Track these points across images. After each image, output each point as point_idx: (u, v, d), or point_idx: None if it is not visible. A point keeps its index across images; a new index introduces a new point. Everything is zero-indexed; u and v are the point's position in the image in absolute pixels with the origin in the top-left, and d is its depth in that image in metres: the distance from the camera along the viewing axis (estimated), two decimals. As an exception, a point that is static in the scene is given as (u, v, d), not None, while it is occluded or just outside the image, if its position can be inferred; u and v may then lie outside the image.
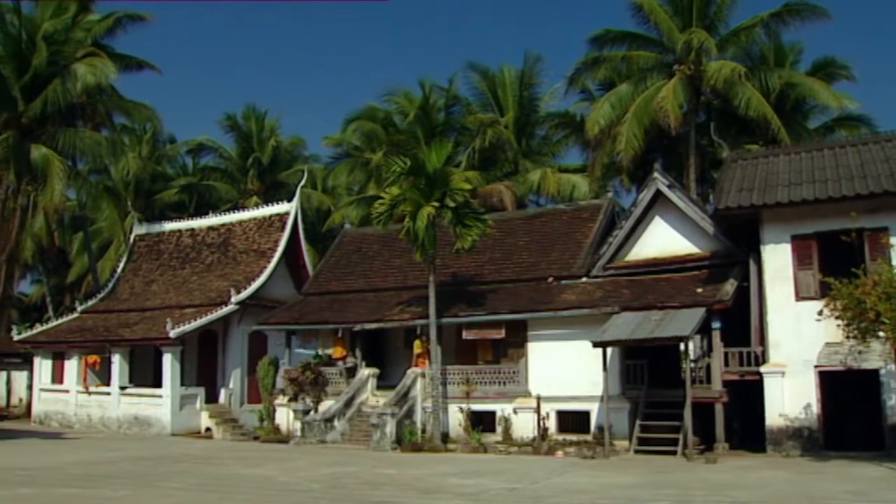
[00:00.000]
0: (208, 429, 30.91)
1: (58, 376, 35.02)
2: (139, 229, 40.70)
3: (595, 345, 22.18)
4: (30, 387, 37.75)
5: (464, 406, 25.72)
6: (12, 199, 37.33)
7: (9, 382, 42.65)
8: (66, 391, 34.18)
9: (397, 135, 40.49)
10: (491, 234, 27.36)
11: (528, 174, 39.77)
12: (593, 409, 23.91)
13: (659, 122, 31.48)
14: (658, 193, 25.22)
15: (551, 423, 24.46)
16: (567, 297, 25.39)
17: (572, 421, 24.38)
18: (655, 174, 25.37)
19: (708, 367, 22.66)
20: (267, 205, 38.68)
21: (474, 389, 25.86)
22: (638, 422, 22.73)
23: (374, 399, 27.44)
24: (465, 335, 26.57)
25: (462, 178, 26.93)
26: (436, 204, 24.98)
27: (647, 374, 23.74)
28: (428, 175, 25.52)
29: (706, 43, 31.43)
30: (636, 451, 22.20)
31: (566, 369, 24.36)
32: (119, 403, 32.16)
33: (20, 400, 40.81)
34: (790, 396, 21.33)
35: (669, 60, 33.46)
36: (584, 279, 26.28)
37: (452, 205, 25.18)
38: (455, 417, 25.96)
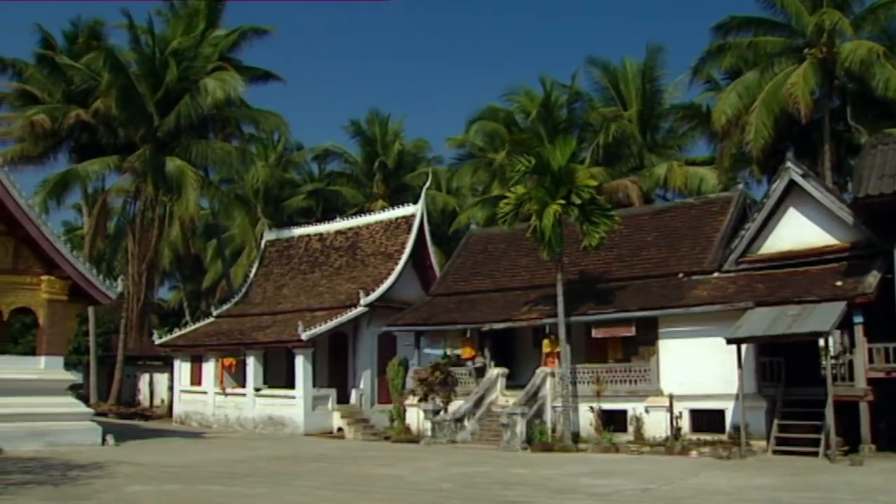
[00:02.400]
0: (340, 429, 31.47)
1: (196, 378, 36.29)
2: (269, 235, 41.89)
3: (729, 341, 21.54)
4: (170, 388, 39.28)
5: (594, 405, 25.45)
6: (150, 209, 39.06)
7: (151, 384, 44.67)
8: (204, 392, 35.37)
9: (520, 133, 40.43)
10: (618, 230, 26.94)
11: (653, 168, 39.09)
12: (728, 407, 23.19)
13: (789, 110, 30.42)
14: (791, 183, 24.28)
15: (684, 423, 23.89)
16: (698, 293, 24.75)
17: (706, 420, 23.75)
18: (788, 163, 24.44)
19: (850, 364, 21.62)
20: (393, 208, 39.09)
21: (605, 388, 25.51)
22: (776, 421, 21.92)
23: (503, 399, 27.42)
24: (595, 333, 26.23)
25: (587, 174, 26.59)
26: (562, 201, 24.75)
27: (784, 371, 22.87)
28: (553, 173, 25.32)
29: (839, 23, 30.08)
30: (774, 452, 21.42)
31: (699, 367, 23.75)
32: (254, 404, 33.07)
33: (162, 401, 42.60)
34: (943, 395, 20.17)
35: (799, 44, 32.27)
36: (715, 274, 25.55)
37: (578, 202, 24.85)
38: (585, 417, 25.70)
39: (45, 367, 24.59)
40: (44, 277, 24.70)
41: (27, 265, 24.59)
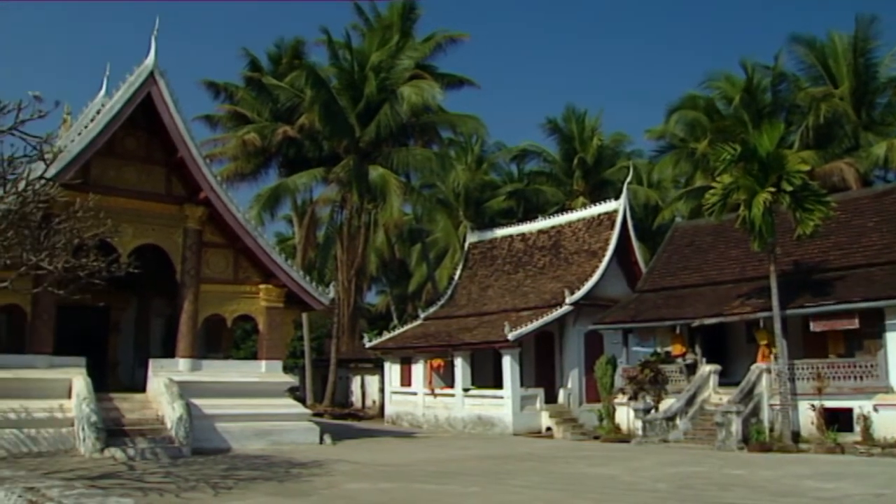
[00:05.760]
0: (548, 428, 31.34)
1: (406, 379, 37.12)
2: (472, 237, 42.40)
3: (968, 333, 19.85)
4: (381, 389, 40.46)
5: (815, 403, 24.02)
6: (356, 217, 40.47)
7: (363, 386, 46.18)
8: (414, 393, 36.11)
9: (723, 121, 39.10)
10: (834, 216, 25.26)
11: (871, 148, 36.57)
12: (971, 405, 21.34)
13: None
14: None
15: (920, 422, 22.16)
16: (930, 280, 22.92)
17: (946, 420, 21.92)
18: None
19: None
20: (594, 204, 38.58)
21: (826, 385, 24.04)
22: None
23: (716, 396, 26.50)
24: (813, 327, 24.78)
25: (797, 159, 25.29)
26: (771, 189, 23.61)
27: None
28: (760, 159, 24.20)
29: None
30: None
31: (935, 362, 21.98)
32: (463, 404, 33.39)
33: (373, 402, 43.94)
34: None
35: None
36: (950, 259, 23.60)
37: (789, 188, 23.61)
38: (805, 415, 24.29)
39: (266, 370, 25.84)
40: (261, 286, 26.04)
41: (246, 275, 26.02)
